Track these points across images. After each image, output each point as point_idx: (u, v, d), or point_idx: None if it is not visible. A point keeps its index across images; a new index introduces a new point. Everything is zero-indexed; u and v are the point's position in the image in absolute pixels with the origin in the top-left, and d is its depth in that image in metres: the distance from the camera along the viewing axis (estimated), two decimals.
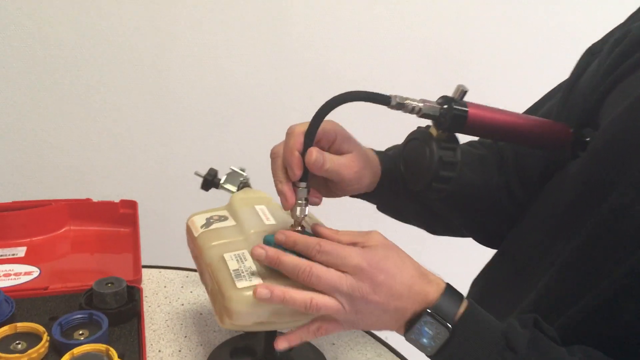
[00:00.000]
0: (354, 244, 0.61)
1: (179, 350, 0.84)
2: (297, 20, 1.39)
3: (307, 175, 0.64)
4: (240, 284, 0.63)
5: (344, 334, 0.91)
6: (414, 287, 0.58)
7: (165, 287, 0.98)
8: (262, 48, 1.40)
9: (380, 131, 1.52)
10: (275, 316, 0.64)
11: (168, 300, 0.94)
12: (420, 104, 0.64)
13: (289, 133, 0.64)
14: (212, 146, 1.47)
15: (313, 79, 1.44)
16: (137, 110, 1.41)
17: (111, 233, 1.09)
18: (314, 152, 0.62)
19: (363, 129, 1.45)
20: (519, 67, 1.52)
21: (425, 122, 0.69)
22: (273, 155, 0.66)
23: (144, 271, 0.99)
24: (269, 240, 0.66)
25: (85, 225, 1.09)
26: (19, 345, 0.72)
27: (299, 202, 0.64)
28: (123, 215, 1.09)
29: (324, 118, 0.62)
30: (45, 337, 0.73)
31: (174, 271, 1.02)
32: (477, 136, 0.81)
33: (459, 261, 1.63)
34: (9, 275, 0.94)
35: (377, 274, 0.58)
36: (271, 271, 0.64)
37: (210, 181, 0.91)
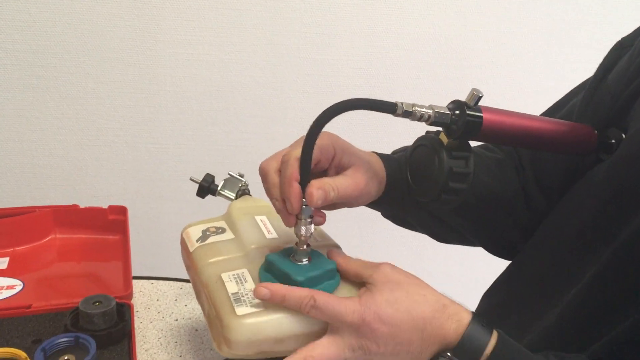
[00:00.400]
0: (359, 277, 0.57)
1: None
2: (294, 17, 1.32)
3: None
4: (240, 311, 0.57)
5: None
6: (427, 329, 0.53)
7: (157, 300, 0.92)
8: (257, 46, 1.34)
9: (385, 132, 1.47)
10: (279, 344, 0.58)
11: (161, 315, 0.88)
12: (430, 111, 0.57)
13: (285, 161, 0.57)
14: (206, 148, 1.41)
15: (311, 77, 1.38)
16: (127, 110, 1.34)
17: (99, 241, 1.03)
18: (314, 193, 0.56)
19: (366, 130, 1.41)
20: (527, 63, 1.47)
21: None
22: (263, 172, 0.60)
23: (135, 283, 0.93)
24: (272, 260, 0.60)
25: (72, 232, 1.03)
26: None
27: (303, 220, 0.58)
28: (112, 222, 1.02)
29: (316, 138, 0.56)
30: None
31: (167, 282, 0.96)
32: (492, 143, 0.75)
33: (469, 263, 1.59)
34: None
35: (377, 326, 0.52)
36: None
37: (206, 188, 0.85)
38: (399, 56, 1.41)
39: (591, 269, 0.58)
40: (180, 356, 0.81)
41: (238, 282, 0.61)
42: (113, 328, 0.74)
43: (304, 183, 0.56)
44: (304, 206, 0.57)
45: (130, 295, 0.86)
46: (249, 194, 0.85)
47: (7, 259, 0.96)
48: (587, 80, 0.71)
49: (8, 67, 1.25)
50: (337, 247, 0.69)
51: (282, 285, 0.56)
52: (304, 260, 0.60)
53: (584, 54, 1.47)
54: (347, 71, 1.40)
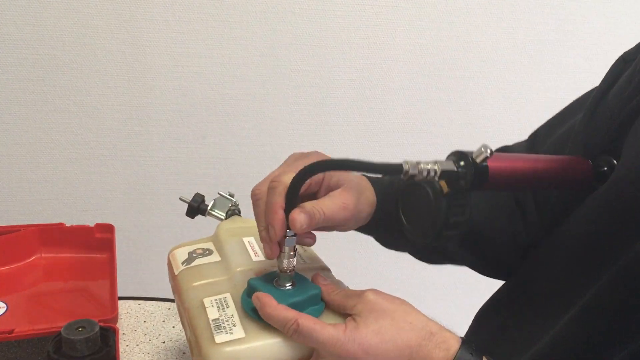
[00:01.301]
0: (343, 308, 0.56)
1: None
2: (285, 29, 1.31)
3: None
4: (219, 338, 0.55)
5: None
6: (413, 358, 0.51)
7: (144, 322, 0.90)
8: (248, 58, 1.32)
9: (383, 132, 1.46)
10: None
11: (148, 337, 0.86)
12: (436, 167, 0.54)
13: (272, 188, 0.55)
14: (196, 162, 1.39)
15: (302, 88, 1.37)
16: (117, 124, 1.32)
17: (86, 260, 1.01)
18: (296, 218, 0.54)
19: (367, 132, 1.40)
20: (521, 73, 1.46)
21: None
22: (254, 197, 0.58)
23: (121, 304, 0.91)
24: (254, 285, 0.58)
25: (58, 252, 1.01)
26: None
27: (285, 253, 0.57)
28: (99, 240, 1.00)
29: (304, 182, 0.54)
30: None
31: (155, 303, 0.94)
32: (496, 191, 0.74)
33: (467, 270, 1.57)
34: None
35: (362, 357, 0.51)
36: (256, 322, 0.56)
37: (195, 208, 0.84)
38: (391, 67, 1.40)
39: (588, 293, 0.56)
40: None
41: (220, 308, 0.59)
42: (97, 354, 0.73)
43: (288, 211, 0.55)
44: (287, 237, 0.55)
45: (115, 319, 0.84)
46: (239, 214, 0.83)
47: None
48: (590, 92, 0.69)
49: None
50: (326, 269, 0.67)
51: (272, 302, 0.54)
52: (287, 285, 0.58)
53: (582, 65, 1.46)
54: (339, 82, 1.39)
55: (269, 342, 0.55)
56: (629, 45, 0.65)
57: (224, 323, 0.57)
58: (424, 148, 1.48)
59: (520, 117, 1.47)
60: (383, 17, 1.35)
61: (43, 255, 1.01)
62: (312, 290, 0.58)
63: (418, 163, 0.52)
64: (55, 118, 1.30)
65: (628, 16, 1.43)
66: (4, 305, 0.89)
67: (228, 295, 0.62)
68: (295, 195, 0.54)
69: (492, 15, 1.39)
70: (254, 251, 0.69)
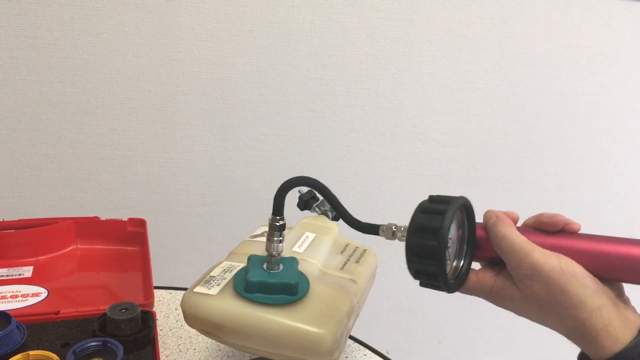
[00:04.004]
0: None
1: None
2: (304, 38, 1.37)
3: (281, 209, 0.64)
4: (198, 289, 0.66)
5: (359, 357, 0.90)
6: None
7: (176, 309, 0.96)
8: (268, 66, 1.38)
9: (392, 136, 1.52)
10: (220, 332, 0.65)
11: (180, 323, 0.93)
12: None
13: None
14: (216, 164, 1.45)
15: (320, 96, 1.43)
16: (142, 126, 1.39)
17: (119, 252, 1.07)
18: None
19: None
20: (529, 87, 1.52)
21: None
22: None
23: (154, 293, 0.97)
24: (249, 259, 0.68)
25: (93, 244, 1.08)
26: None
27: (274, 239, 0.65)
28: (131, 234, 1.07)
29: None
30: None
31: None
32: None
33: None
34: (16, 296, 0.92)
35: (539, 276, 0.53)
36: (233, 290, 0.65)
37: (304, 201, 0.88)
38: (405, 78, 1.46)
39: None
40: None
41: (224, 271, 0.69)
42: (138, 334, 0.79)
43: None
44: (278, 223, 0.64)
45: (152, 304, 0.90)
46: (329, 216, 0.87)
47: (31, 268, 1.01)
48: None
49: (27, 82, 1.30)
50: (355, 282, 0.72)
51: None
52: (276, 268, 0.66)
53: (596, 79, 1.52)
54: (356, 91, 1.45)
55: (225, 306, 0.63)
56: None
57: (213, 281, 0.67)
58: (436, 156, 1.54)
59: (531, 128, 1.53)
60: (399, 30, 1.41)
61: (79, 246, 1.07)
62: (291, 280, 0.64)
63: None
64: (84, 120, 1.36)
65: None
66: (45, 290, 0.95)
67: (240, 265, 0.70)
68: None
69: (504, 27, 1.45)
70: (301, 244, 0.76)
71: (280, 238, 0.65)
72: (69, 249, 1.06)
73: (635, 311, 0.52)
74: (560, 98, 1.52)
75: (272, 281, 0.64)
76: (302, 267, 0.71)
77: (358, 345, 0.93)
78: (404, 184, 1.53)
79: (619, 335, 0.49)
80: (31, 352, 0.73)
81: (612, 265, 0.52)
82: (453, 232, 0.58)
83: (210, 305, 0.64)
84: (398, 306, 1.63)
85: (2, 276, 0.98)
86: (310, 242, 0.77)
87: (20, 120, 1.32)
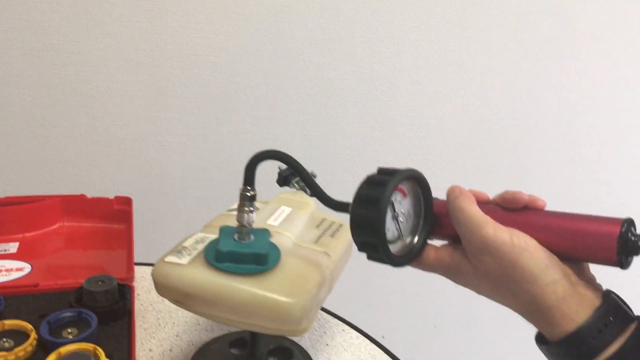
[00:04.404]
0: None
1: (170, 350, 0.83)
2: (299, 22, 1.37)
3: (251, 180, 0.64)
4: (169, 258, 0.66)
5: (337, 334, 0.90)
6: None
7: None
8: (262, 49, 1.38)
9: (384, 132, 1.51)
10: (190, 301, 0.65)
11: (160, 298, 0.92)
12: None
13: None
14: (211, 148, 1.45)
15: (314, 80, 1.43)
16: (133, 104, 1.39)
17: (105, 229, 1.07)
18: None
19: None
20: (527, 71, 1.51)
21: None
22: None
23: (137, 269, 0.98)
24: (221, 229, 0.67)
25: (79, 221, 1.08)
26: (6, 343, 0.71)
27: (245, 209, 0.64)
28: (117, 212, 1.07)
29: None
30: (33, 335, 0.72)
31: None
32: None
33: None
34: (0, 271, 0.93)
35: (490, 247, 0.52)
36: (204, 259, 0.65)
37: (284, 177, 0.88)
38: (400, 61, 1.45)
39: None
40: (177, 335, 0.86)
41: (196, 242, 0.69)
42: (114, 305, 0.79)
43: None
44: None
45: (132, 278, 0.91)
46: (308, 193, 0.86)
47: (17, 244, 1.01)
48: None
49: (21, 64, 1.30)
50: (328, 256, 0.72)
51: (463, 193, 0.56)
52: (247, 238, 0.66)
53: (585, 70, 1.50)
54: (350, 75, 1.44)
55: (195, 275, 0.63)
56: None
57: (185, 251, 0.67)
58: (431, 142, 1.53)
59: (525, 115, 1.52)
60: (393, 14, 1.41)
61: (65, 224, 1.08)
62: (261, 250, 0.64)
63: None
64: (78, 102, 1.36)
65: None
66: (29, 265, 0.96)
67: (213, 236, 0.69)
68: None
69: (496, 14, 1.44)
70: (276, 217, 0.77)
71: (251, 208, 0.65)
72: (56, 226, 1.07)
73: (597, 291, 0.50)
74: (557, 84, 1.51)
75: (242, 251, 0.64)
76: (275, 240, 0.70)
77: (349, 328, 0.92)
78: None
79: (573, 313, 0.47)
80: (7, 322, 0.73)
81: (566, 241, 0.51)
82: (407, 207, 0.58)
83: (181, 274, 0.64)
84: (392, 290, 1.63)
85: None
86: (286, 216, 0.77)
87: (14, 102, 1.32)
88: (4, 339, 0.71)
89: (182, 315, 0.89)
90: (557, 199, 0.58)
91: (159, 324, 0.88)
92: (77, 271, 0.97)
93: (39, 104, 1.34)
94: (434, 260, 0.56)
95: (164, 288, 0.66)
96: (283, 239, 0.72)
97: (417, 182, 0.58)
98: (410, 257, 0.58)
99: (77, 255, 1.03)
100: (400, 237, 0.57)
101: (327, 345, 0.87)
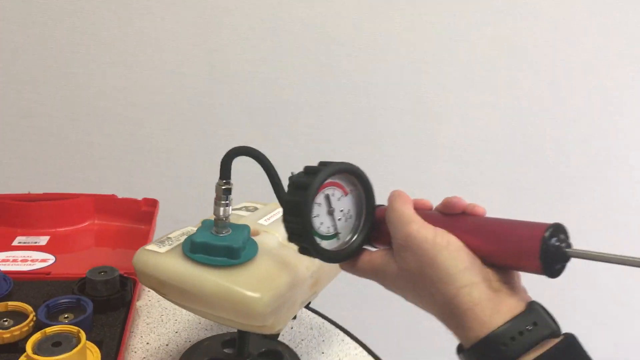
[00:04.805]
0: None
1: (167, 344, 0.85)
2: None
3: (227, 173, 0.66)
4: (149, 246, 0.69)
5: (336, 344, 0.89)
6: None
7: None
8: (306, 60, 1.40)
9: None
10: (164, 289, 0.67)
11: None
12: None
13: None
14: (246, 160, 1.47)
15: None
16: (176, 116, 1.43)
17: (131, 229, 1.12)
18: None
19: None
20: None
21: None
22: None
23: None
24: (203, 223, 0.70)
25: (109, 220, 1.13)
26: (6, 322, 0.75)
27: (221, 202, 0.66)
28: (144, 213, 1.11)
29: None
30: (32, 317, 0.76)
31: None
32: None
33: None
34: (26, 260, 0.99)
35: (412, 247, 0.52)
36: (181, 250, 0.67)
37: None
38: (446, 80, 1.44)
39: None
40: (176, 332, 0.88)
41: (183, 234, 0.71)
42: (113, 295, 0.82)
43: None
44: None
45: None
46: None
47: (47, 237, 1.07)
48: None
49: (75, 74, 1.37)
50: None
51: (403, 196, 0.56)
52: (224, 232, 0.67)
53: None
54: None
55: (169, 263, 0.65)
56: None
57: (167, 241, 0.69)
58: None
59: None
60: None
61: (96, 221, 1.13)
62: (234, 244, 0.65)
63: None
64: (124, 112, 1.42)
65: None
66: (53, 257, 1.01)
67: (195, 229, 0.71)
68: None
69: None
70: (269, 217, 0.79)
71: (227, 202, 0.67)
72: (86, 223, 1.12)
73: (521, 301, 0.47)
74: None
75: (214, 243, 0.65)
76: (261, 238, 0.72)
77: (349, 339, 0.92)
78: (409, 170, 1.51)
79: (487, 318, 0.45)
80: (10, 303, 0.78)
81: (492, 245, 0.48)
82: (348, 206, 0.58)
83: (156, 262, 0.67)
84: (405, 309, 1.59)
85: (20, 242, 1.05)
86: (279, 217, 0.78)
87: (59, 109, 1.39)
88: (5, 319, 0.76)
89: (185, 314, 0.92)
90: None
91: (162, 320, 0.90)
92: (93, 264, 1.01)
93: (86, 113, 1.40)
94: (367, 262, 0.55)
95: (141, 275, 0.68)
96: (268, 238, 0.73)
97: (359, 181, 0.58)
98: (344, 255, 0.57)
99: (101, 253, 1.08)
100: (336, 234, 0.57)
101: (322, 353, 0.87)
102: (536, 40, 1.42)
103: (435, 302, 0.49)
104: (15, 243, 1.05)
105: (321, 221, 0.56)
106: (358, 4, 1.37)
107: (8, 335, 0.73)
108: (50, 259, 1.00)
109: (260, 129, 1.45)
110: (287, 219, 0.56)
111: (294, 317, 0.80)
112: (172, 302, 0.69)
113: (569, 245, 0.46)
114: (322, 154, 1.47)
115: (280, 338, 0.88)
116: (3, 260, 0.98)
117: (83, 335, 0.69)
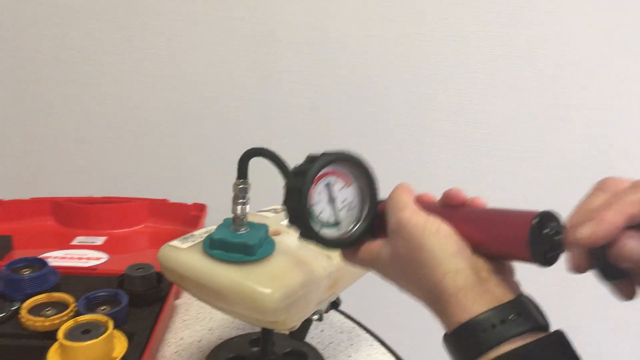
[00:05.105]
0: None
1: (199, 341, 0.89)
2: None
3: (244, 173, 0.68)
4: (173, 242, 0.73)
5: (364, 348, 0.90)
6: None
7: None
8: (345, 70, 1.42)
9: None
10: (184, 283, 0.71)
11: None
12: None
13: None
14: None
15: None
16: (200, 130, 1.49)
17: (181, 232, 1.16)
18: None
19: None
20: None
21: None
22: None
23: None
24: (225, 221, 0.72)
25: (161, 223, 1.19)
26: (49, 311, 0.81)
27: (239, 201, 0.69)
28: (193, 217, 1.16)
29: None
30: (72, 307, 0.81)
31: None
32: None
33: None
34: (81, 258, 1.05)
35: (404, 235, 0.52)
36: (200, 248, 0.70)
37: None
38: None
39: None
40: (210, 330, 0.91)
41: (207, 232, 0.74)
42: (149, 291, 0.87)
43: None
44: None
45: None
46: None
47: (104, 238, 1.14)
48: None
49: (129, 85, 1.46)
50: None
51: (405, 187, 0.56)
52: (242, 230, 0.70)
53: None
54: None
55: (188, 258, 0.69)
56: None
57: (190, 238, 0.73)
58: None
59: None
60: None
61: (149, 224, 1.19)
62: (249, 241, 0.67)
63: None
64: (181, 121, 1.49)
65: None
66: (107, 256, 1.07)
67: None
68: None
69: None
70: None
71: (244, 200, 0.69)
72: (141, 226, 1.19)
73: (509, 292, 0.46)
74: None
75: (231, 240, 0.68)
76: (281, 238, 0.74)
77: (379, 344, 0.92)
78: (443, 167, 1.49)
79: (469, 304, 0.45)
80: (55, 294, 0.84)
81: (484, 234, 0.48)
82: (351, 197, 0.59)
83: (177, 257, 0.70)
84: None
85: (79, 242, 1.12)
86: None
87: (120, 122, 1.48)
88: (48, 308, 0.82)
89: (220, 313, 0.95)
90: None
91: (197, 318, 0.94)
92: None
93: (134, 119, 1.48)
94: (366, 252, 0.56)
95: (164, 268, 0.72)
96: (288, 238, 0.75)
97: (362, 173, 0.59)
98: (343, 243, 0.58)
99: (151, 254, 1.12)
100: (337, 223, 0.58)
101: (349, 357, 0.88)
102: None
103: (423, 288, 0.49)
104: (74, 242, 1.12)
105: (322, 209, 0.57)
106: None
107: (48, 323, 0.78)
108: (103, 257, 1.07)
109: (308, 140, 1.48)
110: (286, 204, 0.58)
111: (320, 319, 0.81)
112: (193, 295, 0.73)
113: (558, 233, 0.45)
114: None
115: (308, 340, 0.89)
116: (61, 257, 1.05)
117: (111, 324, 0.73)
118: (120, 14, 1.39)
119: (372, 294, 1.34)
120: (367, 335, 0.93)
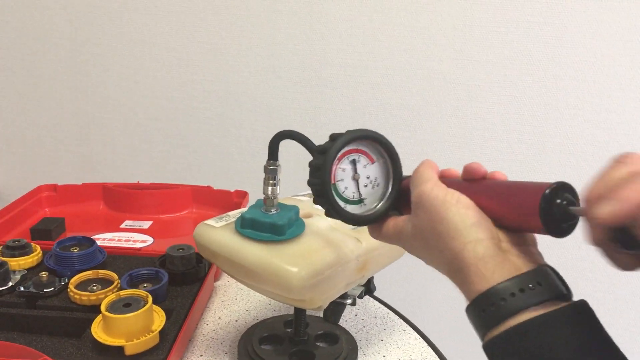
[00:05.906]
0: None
1: (236, 320, 0.92)
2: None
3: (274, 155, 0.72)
4: (209, 221, 0.76)
5: (397, 333, 0.91)
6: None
7: None
8: (408, 63, 1.43)
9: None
10: (217, 260, 0.74)
11: None
12: None
13: None
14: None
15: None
16: (273, 118, 1.52)
17: None
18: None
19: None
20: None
21: None
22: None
23: None
24: (257, 201, 0.75)
25: (205, 209, 1.23)
26: (95, 287, 0.85)
27: (270, 182, 0.72)
28: (235, 204, 1.20)
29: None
30: (116, 283, 0.86)
31: None
32: None
33: None
34: (129, 240, 1.10)
35: (429, 212, 0.53)
36: (233, 227, 0.73)
37: None
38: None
39: None
40: (247, 310, 0.94)
41: (240, 212, 0.76)
42: (189, 270, 0.90)
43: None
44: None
45: None
46: None
47: (150, 222, 1.19)
48: None
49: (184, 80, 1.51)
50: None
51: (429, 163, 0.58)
52: (272, 210, 0.72)
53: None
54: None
55: (220, 236, 0.73)
56: None
57: (225, 217, 0.77)
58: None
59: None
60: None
61: (194, 210, 1.23)
62: (279, 221, 0.70)
63: None
64: (227, 113, 1.53)
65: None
66: (152, 239, 1.12)
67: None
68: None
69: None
70: None
71: (274, 182, 0.72)
72: (186, 212, 1.23)
73: (530, 263, 0.47)
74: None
75: (261, 219, 0.71)
76: (312, 221, 0.76)
77: (411, 329, 0.93)
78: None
79: (489, 274, 0.45)
80: (101, 271, 0.88)
81: (500, 205, 0.49)
82: (375, 174, 0.60)
83: (210, 235, 0.74)
84: None
85: (127, 225, 1.17)
86: None
87: (171, 114, 1.53)
88: (95, 284, 0.86)
89: (258, 295, 0.98)
90: None
91: (236, 299, 0.97)
92: None
93: (177, 114, 1.53)
94: (391, 227, 0.58)
95: (198, 245, 0.76)
96: (319, 221, 0.77)
97: (385, 150, 0.60)
98: (366, 219, 0.60)
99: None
100: (361, 200, 0.60)
101: (381, 340, 0.89)
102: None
103: (444, 259, 0.50)
104: (122, 226, 1.17)
105: (346, 186, 0.59)
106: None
107: (94, 297, 0.83)
108: (149, 240, 1.11)
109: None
110: (311, 182, 0.59)
111: (353, 303, 0.83)
112: (225, 272, 0.75)
113: (572, 204, 0.45)
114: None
115: (341, 323, 0.91)
116: (110, 239, 1.10)
117: (150, 299, 0.77)
118: None
119: (408, 284, 1.35)
120: (401, 321, 0.94)
